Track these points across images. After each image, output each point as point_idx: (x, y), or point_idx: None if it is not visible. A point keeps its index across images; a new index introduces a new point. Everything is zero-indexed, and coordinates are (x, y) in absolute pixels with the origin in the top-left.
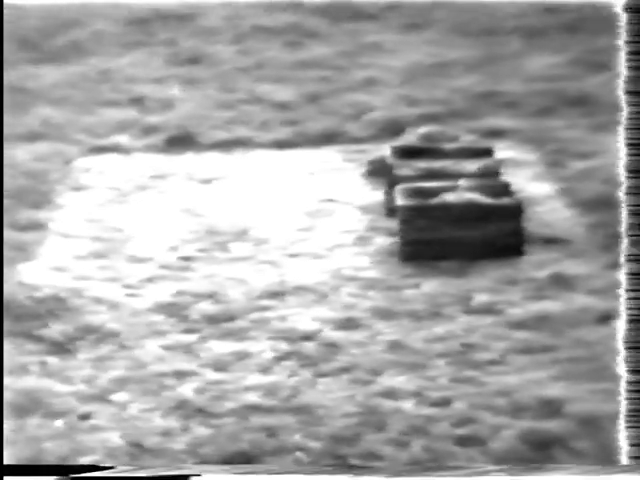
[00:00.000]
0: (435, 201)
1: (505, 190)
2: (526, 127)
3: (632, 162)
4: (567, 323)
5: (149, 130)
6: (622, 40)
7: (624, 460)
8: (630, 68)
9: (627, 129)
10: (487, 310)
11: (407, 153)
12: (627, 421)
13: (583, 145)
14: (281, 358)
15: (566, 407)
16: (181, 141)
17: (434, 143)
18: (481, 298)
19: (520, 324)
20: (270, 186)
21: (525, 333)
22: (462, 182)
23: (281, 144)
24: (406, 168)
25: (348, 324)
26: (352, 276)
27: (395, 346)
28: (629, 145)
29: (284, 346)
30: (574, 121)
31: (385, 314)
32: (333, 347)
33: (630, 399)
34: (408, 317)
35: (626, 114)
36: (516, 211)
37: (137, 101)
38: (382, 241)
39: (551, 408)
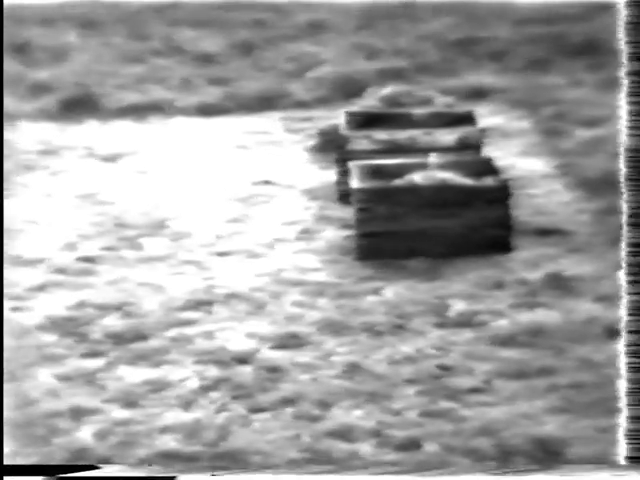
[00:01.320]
0: (400, 183)
1: (489, 168)
2: (515, 85)
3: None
4: (568, 338)
5: (36, 90)
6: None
7: (624, 460)
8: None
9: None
10: (466, 322)
11: (365, 121)
12: (627, 421)
13: (588, 108)
14: (208, 388)
15: (568, 451)
16: (78, 105)
17: (399, 108)
18: (459, 307)
19: (508, 340)
20: (193, 164)
21: (514, 352)
22: (434, 158)
23: (206, 110)
24: (364, 140)
25: (292, 342)
26: (296, 280)
27: (351, 370)
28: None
29: (212, 372)
30: (577, 77)
31: (338, 328)
32: (273, 372)
33: (630, 397)
34: (367, 332)
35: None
36: (502, 195)
37: (19, 50)
38: (334, 235)
39: (548, 452)
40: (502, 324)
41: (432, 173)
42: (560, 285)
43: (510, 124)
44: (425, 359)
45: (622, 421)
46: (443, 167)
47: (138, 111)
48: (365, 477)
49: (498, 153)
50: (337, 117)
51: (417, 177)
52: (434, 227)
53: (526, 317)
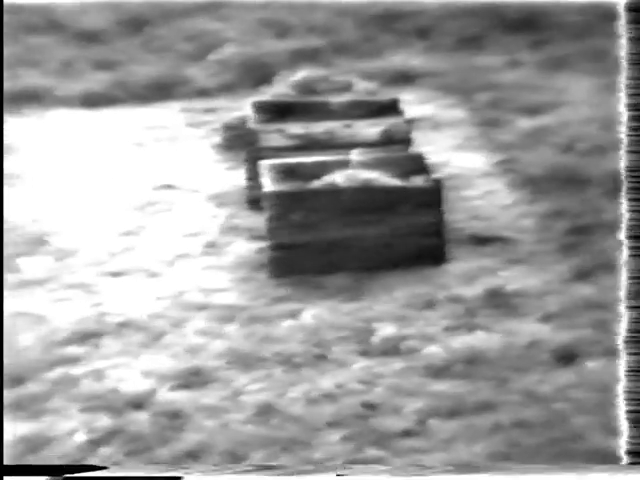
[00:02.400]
0: (318, 185)
1: (418, 166)
2: (446, 68)
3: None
4: (510, 366)
5: None
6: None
7: (624, 460)
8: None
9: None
10: (394, 350)
11: (276, 112)
12: (627, 421)
13: (530, 94)
14: (97, 442)
15: None
16: None
17: (315, 96)
18: (385, 331)
19: (442, 370)
20: (78, 166)
21: (450, 384)
22: (356, 155)
23: (92, 100)
24: (276, 135)
25: (195, 380)
26: (201, 303)
27: (264, 412)
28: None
29: (102, 421)
30: (518, 56)
31: (249, 361)
32: (174, 418)
33: (629, 399)
34: (282, 365)
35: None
36: (434, 197)
37: None
38: (244, 248)
39: None
40: (435, 351)
41: (354, 173)
42: (501, 303)
43: (441, 114)
44: (348, 396)
45: (622, 422)
46: (366, 165)
47: (8, 101)
48: (365, 477)
49: (429, 148)
50: (244, 108)
51: (337, 178)
52: (357, 236)
53: (462, 342)
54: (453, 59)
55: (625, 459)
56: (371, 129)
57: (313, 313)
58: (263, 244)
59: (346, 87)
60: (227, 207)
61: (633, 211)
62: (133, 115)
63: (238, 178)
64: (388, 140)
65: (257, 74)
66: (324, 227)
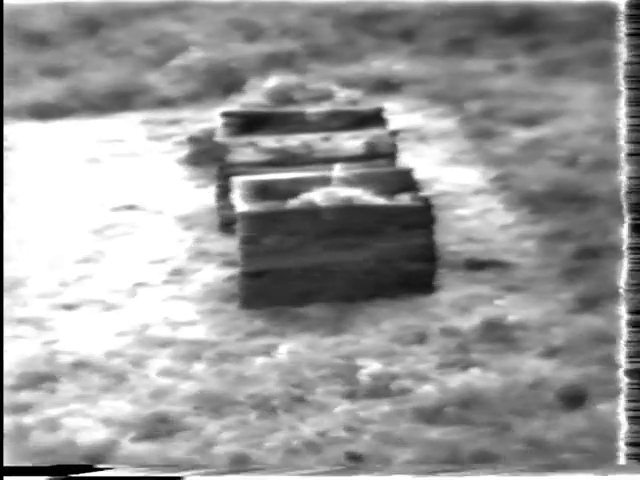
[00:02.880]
0: (295, 204)
1: (406, 182)
2: (435, 73)
3: None
4: (512, 410)
5: None
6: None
7: (624, 460)
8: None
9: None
10: (382, 390)
11: (248, 124)
12: (627, 421)
13: (530, 101)
14: None
15: None
16: None
17: (290, 105)
18: (371, 369)
19: (435, 414)
20: (27, 185)
21: (443, 430)
22: (336, 171)
23: (43, 111)
24: (248, 149)
25: (161, 428)
26: (165, 339)
27: (239, 462)
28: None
29: None
30: (513, 60)
31: (220, 405)
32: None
33: (630, 398)
34: (257, 409)
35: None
36: (424, 218)
37: None
38: (213, 275)
39: None
40: (427, 392)
41: (334, 191)
42: (499, 336)
43: (430, 124)
44: (331, 445)
45: (623, 422)
46: (348, 182)
47: None
48: (365, 477)
49: (417, 162)
50: (212, 119)
51: (316, 196)
52: (338, 262)
53: (457, 381)
54: (441, 64)
55: (624, 459)
56: (353, 142)
57: (290, 349)
58: (234, 271)
59: (325, 95)
60: (195, 230)
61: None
62: (88, 128)
63: (207, 197)
64: (372, 154)
65: (226, 81)
66: (302, 251)
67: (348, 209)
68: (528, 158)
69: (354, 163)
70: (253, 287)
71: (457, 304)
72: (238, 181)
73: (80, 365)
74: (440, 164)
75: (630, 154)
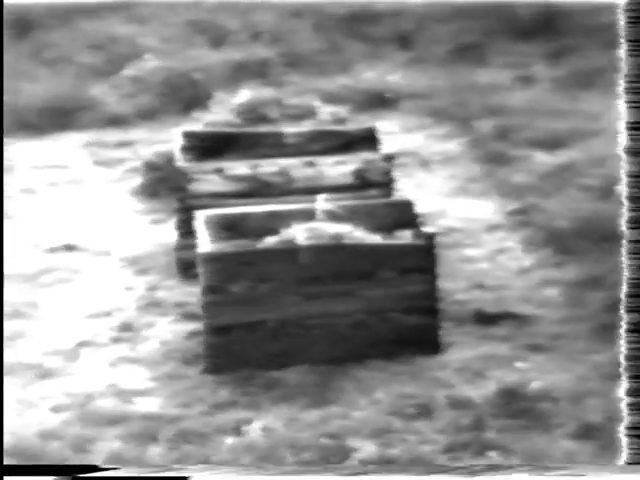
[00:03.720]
0: (271, 244)
1: (405, 217)
2: (439, 86)
3: None
4: None
5: None
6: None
7: (624, 460)
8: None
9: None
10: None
11: (213, 146)
12: (627, 421)
13: (553, 120)
14: None
15: None
16: None
17: (264, 124)
18: (366, 452)
19: None
20: None
21: None
22: (320, 203)
23: None
24: (214, 177)
25: None
26: (112, 415)
27: None
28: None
29: None
30: (531, 70)
31: None
32: None
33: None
34: None
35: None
36: (425, 259)
37: None
38: (170, 331)
39: None
40: None
41: (318, 227)
42: (520, 409)
43: (433, 147)
44: None
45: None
46: (335, 217)
47: None
48: (365, 477)
49: (417, 193)
50: (171, 140)
51: (296, 234)
52: (323, 314)
53: (469, 470)
54: (445, 75)
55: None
56: (340, 168)
57: (266, 425)
58: (196, 326)
59: (305, 113)
60: (148, 275)
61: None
62: (22, 151)
63: (163, 235)
64: (363, 183)
65: (187, 95)
66: (278, 302)
67: (334, 249)
68: (552, 188)
69: (342, 193)
70: (219, 346)
71: (467, 367)
72: (202, 215)
73: (7, 453)
74: (445, 195)
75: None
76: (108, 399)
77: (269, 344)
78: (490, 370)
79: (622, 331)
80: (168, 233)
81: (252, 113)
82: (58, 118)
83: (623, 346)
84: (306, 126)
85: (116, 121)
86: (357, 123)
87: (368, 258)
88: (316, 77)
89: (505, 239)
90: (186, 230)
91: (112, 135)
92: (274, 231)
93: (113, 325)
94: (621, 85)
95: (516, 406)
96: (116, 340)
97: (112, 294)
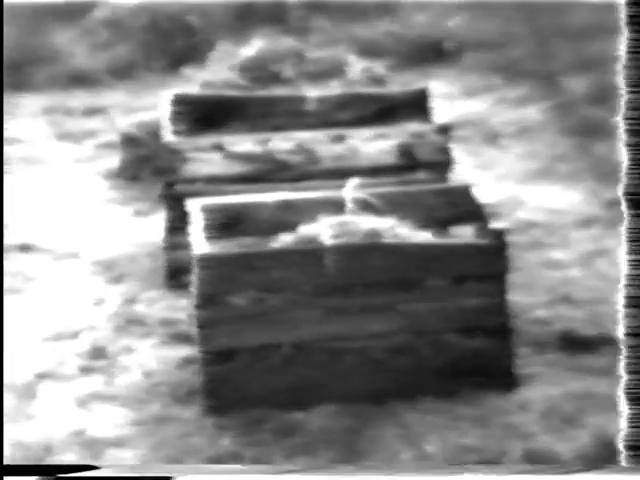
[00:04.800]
0: (285, 242)
1: (464, 208)
2: (513, 31)
3: None
4: None
5: None
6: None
7: (623, 460)
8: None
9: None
10: None
11: (212, 114)
12: (627, 421)
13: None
14: None
15: None
16: None
17: (277, 85)
18: None
19: None
20: None
21: None
22: (351, 189)
23: None
24: (212, 155)
25: None
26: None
27: None
28: None
29: None
30: None
31: None
32: None
33: (630, 398)
34: None
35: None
36: (492, 263)
37: None
38: (155, 357)
39: None
40: None
41: (348, 222)
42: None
43: (505, 115)
44: None
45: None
46: (370, 208)
47: None
48: (365, 477)
49: (482, 176)
50: (155, 106)
51: (320, 230)
52: (353, 335)
53: None
54: (523, 17)
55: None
56: (378, 144)
57: None
58: (190, 351)
59: (333, 69)
60: (127, 283)
61: None
62: None
63: (146, 232)
64: (409, 163)
65: (178, 46)
66: (295, 319)
67: (369, 250)
68: None
69: (380, 177)
70: (219, 378)
71: (553, 411)
72: (196, 206)
73: None
74: (521, 179)
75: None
76: (73, 451)
77: (283, 375)
78: (585, 415)
79: None
80: (153, 229)
81: (263, 71)
82: (7, 76)
83: None
84: (333, 88)
85: (84, 80)
86: (402, 84)
87: (415, 262)
88: (351, 21)
89: (603, 237)
90: (176, 225)
91: (79, 99)
92: (290, 227)
93: (81, 350)
94: None
95: (619, 465)
96: (85, 370)
97: (80, 309)
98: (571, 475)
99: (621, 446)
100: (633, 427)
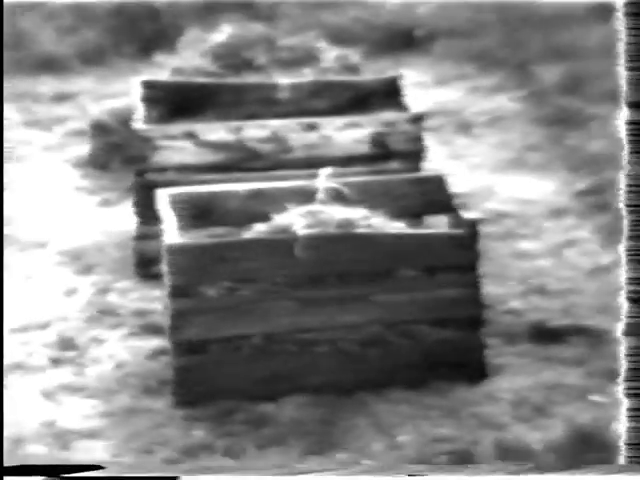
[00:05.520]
0: (257, 232)
1: (436, 198)
2: (486, 18)
3: None
4: None
5: None
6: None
7: (623, 460)
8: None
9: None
10: None
11: (183, 101)
12: (627, 421)
13: None
14: None
15: None
16: None
17: (249, 71)
18: None
19: None
20: None
21: None
22: (324, 179)
23: None
24: (182, 142)
25: None
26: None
27: None
28: None
29: None
30: None
31: None
32: None
33: (630, 397)
34: None
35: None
36: (465, 253)
37: None
38: (125, 349)
39: None
40: None
41: (321, 211)
42: (595, 461)
43: (478, 104)
44: None
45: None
46: (343, 198)
47: None
48: (365, 477)
49: (455, 166)
50: (126, 92)
51: (292, 219)
52: (323, 326)
53: None
54: (496, 4)
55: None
56: (351, 132)
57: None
58: (161, 342)
59: (306, 57)
60: (96, 274)
61: None
62: None
63: (116, 221)
64: (381, 152)
65: (147, 31)
66: (268, 309)
67: (342, 240)
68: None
69: (353, 167)
70: (190, 369)
71: (524, 401)
72: (167, 195)
73: None
74: (493, 168)
75: None
76: (42, 443)
77: (255, 366)
78: (555, 405)
79: None
80: (122, 219)
81: (234, 57)
82: None
83: None
84: (306, 75)
85: (52, 66)
86: (375, 72)
87: (387, 252)
88: (320, 8)
89: (575, 228)
90: (146, 215)
91: (47, 85)
92: (262, 216)
93: (49, 341)
94: None
95: (592, 456)
96: (54, 362)
97: (48, 299)
98: (572, 475)
99: (620, 444)
100: (633, 426)
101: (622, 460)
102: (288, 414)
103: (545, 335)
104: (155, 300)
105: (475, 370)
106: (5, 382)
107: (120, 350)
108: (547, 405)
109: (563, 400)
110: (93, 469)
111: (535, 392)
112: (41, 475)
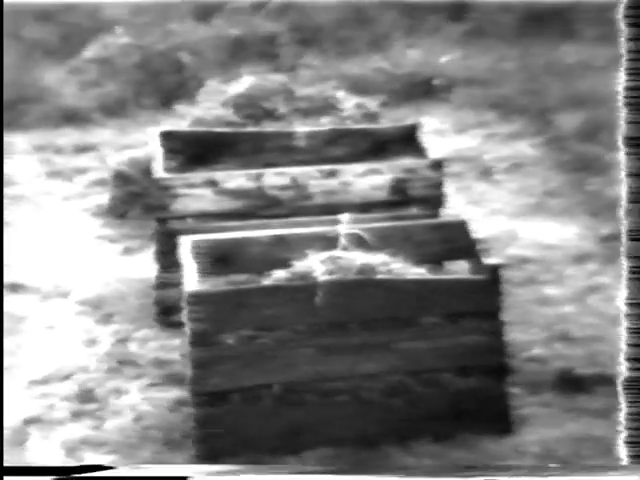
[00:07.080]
0: (278, 279)
1: (457, 244)
2: (505, 67)
3: None
4: None
5: None
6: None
7: (624, 460)
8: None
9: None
10: None
11: (203, 151)
12: (627, 421)
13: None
14: None
15: None
16: None
17: (268, 121)
18: None
19: None
20: None
21: None
22: (344, 225)
23: None
24: (203, 191)
25: None
26: None
27: None
28: None
29: None
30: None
31: None
32: None
33: (630, 397)
34: None
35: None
36: (488, 300)
37: None
38: (146, 401)
39: None
40: None
41: (341, 257)
42: None
43: (498, 150)
44: None
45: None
46: (363, 244)
47: None
48: (365, 477)
49: (476, 212)
50: (145, 144)
51: (311, 267)
52: (347, 375)
53: None
54: (515, 53)
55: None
56: (371, 179)
57: None
58: (181, 393)
59: (325, 106)
60: (117, 323)
61: None
62: None
63: (137, 270)
64: (402, 198)
65: (168, 83)
66: (289, 357)
67: (363, 287)
68: None
69: (373, 213)
70: (212, 421)
71: (550, 454)
72: (188, 242)
73: None
74: (514, 214)
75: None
76: None
77: (276, 417)
78: (583, 459)
79: None
80: (143, 267)
81: (254, 107)
82: None
83: None
84: (325, 123)
85: (75, 118)
86: (394, 120)
87: (409, 299)
88: (339, 58)
89: (597, 273)
90: (167, 263)
91: (69, 137)
92: (283, 263)
93: (70, 393)
94: None
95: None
96: (76, 415)
97: (69, 350)
98: (572, 475)
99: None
100: (633, 427)
101: (622, 460)
102: (309, 467)
103: (570, 384)
104: (175, 349)
105: (501, 422)
106: (23, 438)
107: (140, 401)
108: (574, 459)
109: (591, 454)
110: (103, 469)
111: (562, 444)
112: (45, 475)
